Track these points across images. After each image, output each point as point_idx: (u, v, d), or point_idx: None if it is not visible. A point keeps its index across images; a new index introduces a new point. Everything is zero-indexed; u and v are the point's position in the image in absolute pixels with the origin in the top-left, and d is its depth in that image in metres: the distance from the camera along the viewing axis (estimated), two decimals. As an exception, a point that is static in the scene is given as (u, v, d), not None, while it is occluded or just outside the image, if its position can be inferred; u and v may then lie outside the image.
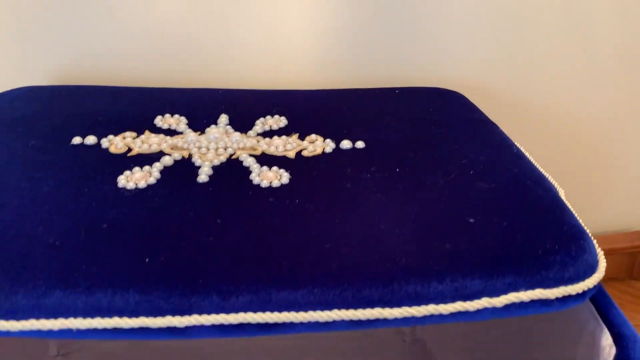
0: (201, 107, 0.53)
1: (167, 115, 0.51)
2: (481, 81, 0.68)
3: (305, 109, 0.53)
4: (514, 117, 0.71)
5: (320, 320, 0.30)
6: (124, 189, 0.39)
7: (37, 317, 0.30)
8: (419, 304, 0.31)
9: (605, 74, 0.71)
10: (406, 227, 0.35)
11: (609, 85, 0.72)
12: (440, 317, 0.31)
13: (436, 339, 0.62)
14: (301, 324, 0.30)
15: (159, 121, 0.50)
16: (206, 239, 0.34)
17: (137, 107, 0.53)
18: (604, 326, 0.34)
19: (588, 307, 0.35)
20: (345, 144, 0.46)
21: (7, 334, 0.30)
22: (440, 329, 0.60)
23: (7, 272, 0.31)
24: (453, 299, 0.31)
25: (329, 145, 0.45)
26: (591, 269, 0.32)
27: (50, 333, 0.30)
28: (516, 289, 0.31)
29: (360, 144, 0.46)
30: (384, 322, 0.31)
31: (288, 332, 0.31)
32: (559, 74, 0.69)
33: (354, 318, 0.30)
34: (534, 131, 0.73)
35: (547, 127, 0.73)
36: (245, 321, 0.30)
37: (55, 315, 0.30)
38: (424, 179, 0.40)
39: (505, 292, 0.31)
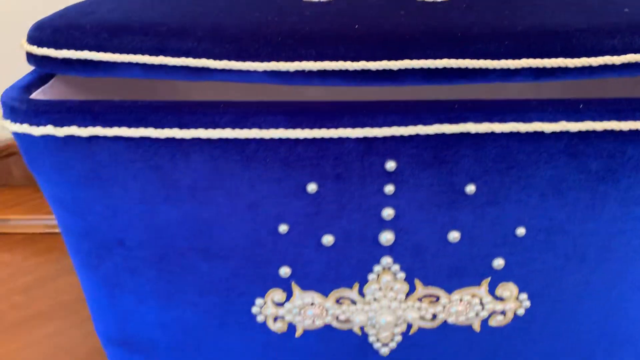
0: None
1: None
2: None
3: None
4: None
5: (511, 67, 0.36)
6: (308, 2, 0.45)
7: (277, 60, 0.36)
8: (595, 55, 0.36)
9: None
10: (572, 13, 0.40)
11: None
12: (612, 69, 0.36)
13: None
14: (494, 70, 0.36)
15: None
16: (398, 20, 0.40)
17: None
18: None
19: None
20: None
21: (253, 74, 0.36)
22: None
23: (246, 33, 0.37)
24: (624, 52, 0.36)
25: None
26: None
27: (286, 75, 0.36)
28: (682, 44, 0.36)
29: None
30: (565, 71, 0.36)
31: (481, 80, 0.37)
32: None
33: (540, 66, 0.36)
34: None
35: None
36: (448, 66, 0.36)
37: (292, 59, 0.36)
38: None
39: (672, 47, 0.36)
